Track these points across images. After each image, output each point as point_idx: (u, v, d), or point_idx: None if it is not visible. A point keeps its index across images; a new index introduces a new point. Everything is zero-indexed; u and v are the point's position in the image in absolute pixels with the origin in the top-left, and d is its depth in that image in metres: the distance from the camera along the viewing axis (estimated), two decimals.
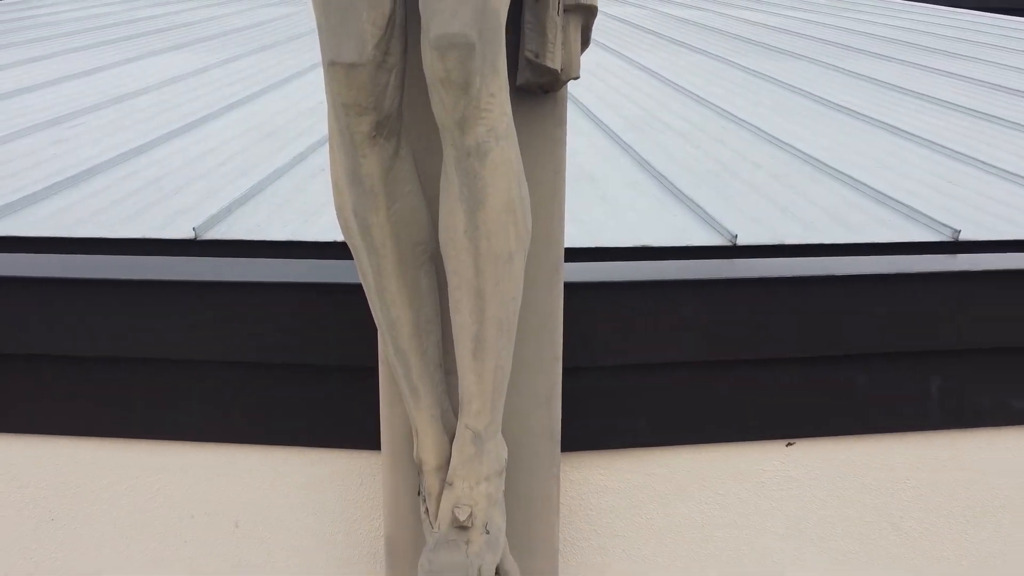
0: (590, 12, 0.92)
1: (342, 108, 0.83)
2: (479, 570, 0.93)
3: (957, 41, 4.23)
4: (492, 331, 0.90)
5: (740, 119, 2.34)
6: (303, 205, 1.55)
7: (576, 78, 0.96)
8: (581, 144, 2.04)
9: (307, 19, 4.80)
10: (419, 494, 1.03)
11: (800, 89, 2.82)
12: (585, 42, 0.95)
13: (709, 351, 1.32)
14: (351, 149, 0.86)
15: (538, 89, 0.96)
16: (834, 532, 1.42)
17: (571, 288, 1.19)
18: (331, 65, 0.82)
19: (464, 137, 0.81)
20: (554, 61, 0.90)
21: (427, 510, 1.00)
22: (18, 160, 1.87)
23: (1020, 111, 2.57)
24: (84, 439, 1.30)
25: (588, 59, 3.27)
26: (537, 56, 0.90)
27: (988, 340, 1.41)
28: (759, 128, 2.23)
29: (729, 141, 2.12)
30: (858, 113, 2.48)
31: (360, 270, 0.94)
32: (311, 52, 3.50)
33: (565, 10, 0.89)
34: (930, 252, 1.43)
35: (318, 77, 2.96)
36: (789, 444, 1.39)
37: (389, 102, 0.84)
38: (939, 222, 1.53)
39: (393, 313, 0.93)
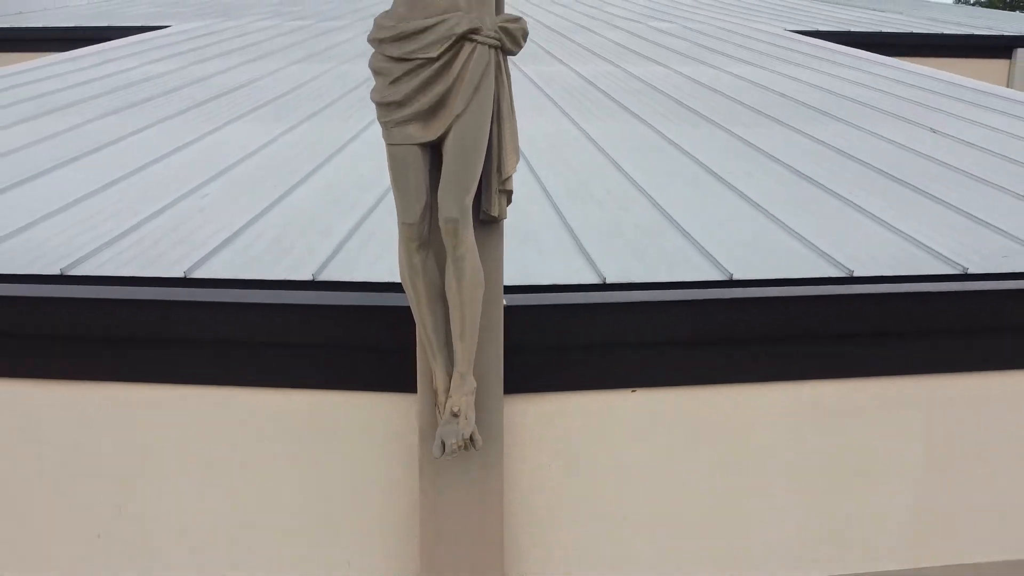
0: (510, 193, 2.09)
1: (404, 238, 2.00)
2: (462, 433, 2.11)
3: (846, 102, 5.38)
4: (468, 328, 2.07)
5: (642, 187, 3.52)
6: (367, 259, 2.73)
7: (505, 218, 2.14)
8: (533, 211, 3.22)
9: (335, 81, 5.97)
10: (435, 404, 2.21)
11: (694, 157, 4.00)
12: (508, 202, 2.13)
13: (584, 340, 2.49)
14: (407, 254, 2.03)
15: (490, 220, 2.14)
16: (661, 437, 2.60)
17: (510, 309, 2.37)
18: (401, 223, 1.99)
19: (455, 252, 1.98)
20: (495, 212, 2.08)
21: (439, 411, 2.18)
22: (184, 225, 3.04)
23: (843, 177, 3.74)
24: (242, 388, 2.48)
25: (554, 128, 4.44)
26: (488, 210, 2.08)
27: (750, 335, 2.58)
28: (651, 195, 3.41)
29: (629, 207, 3.30)
30: (722, 178, 3.66)
31: (408, 298, 2.12)
32: (350, 120, 4.67)
33: (500, 191, 2.07)
34: (709, 287, 2.61)
35: (358, 148, 4.13)
36: (633, 391, 2.57)
37: (425, 235, 2.01)
38: (723, 267, 2.71)
39: (425, 319, 2.10)
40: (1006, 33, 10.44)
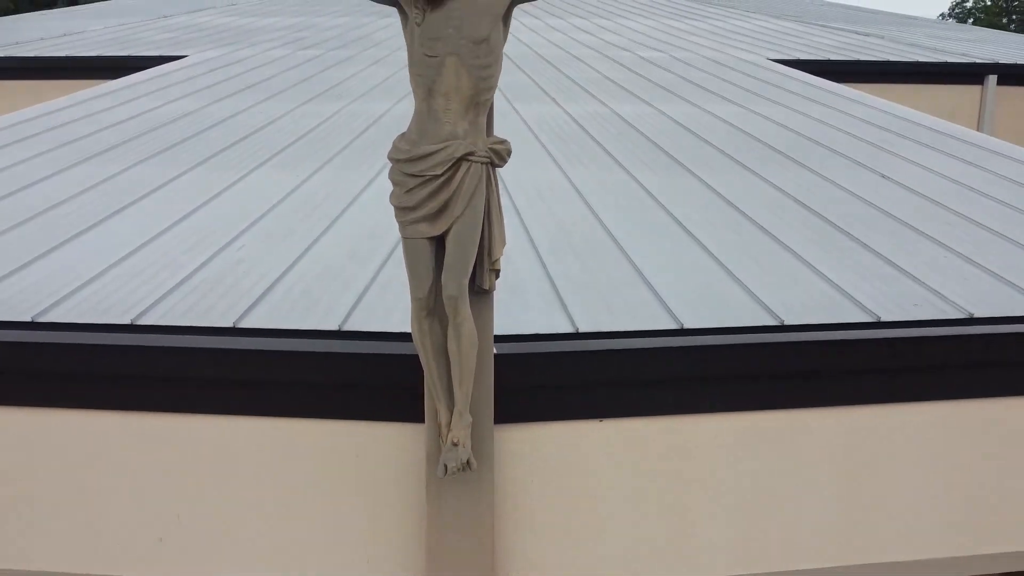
0: (498, 271, 2.66)
1: (415, 308, 2.57)
2: (460, 458, 2.68)
3: (809, 144, 5.92)
4: (465, 377, 2.63)
5: (616, 239, 4.09)
6: (384, 309, 3.29)
7: (494, 290, 2.71)
8: (522, 265, 3.78)
9: (345, 122, 6.53)
10: (439, 435, 2.78)
11: (664, 206, 4.56)
12: (496, 277, 2.70)
13: (560, 380, 3.06)
14: (417, 320, 2.60)
15: (482, 292, 2.71)
16: (624, 458, 3.16)
17: (500, 356, 2.93)
18: (414, 297, 2.55)
19: (455, 320, 2.54)
20: (486, 286, 2.65)
21: (442, 440, 2.75)
22: (227, 276, 3.60)
23: (791, 226, 4.30)
24: (283, 419, 3.04)
25: (544, 178, 5.01)
26: (481, 285, 2.65)
27: (696, 375, 3.15)
28: (623, 247, 3.97)
29: (604, 259, 3.86)
30: (686, 228, 4.23)
31: (418, 352, 2.68)
32: (361, 167, 5.24)
33: (489, 270, 2.64)
34: (663, 335, 3.17)
35: (368, 199, 4.69)
36: (600, 420, 3.14)
37: (432, 306, 2.57)
38: (677, 316, 3.28)
39: (432, 369, 2.67)
40: (978, 60, 11.01)
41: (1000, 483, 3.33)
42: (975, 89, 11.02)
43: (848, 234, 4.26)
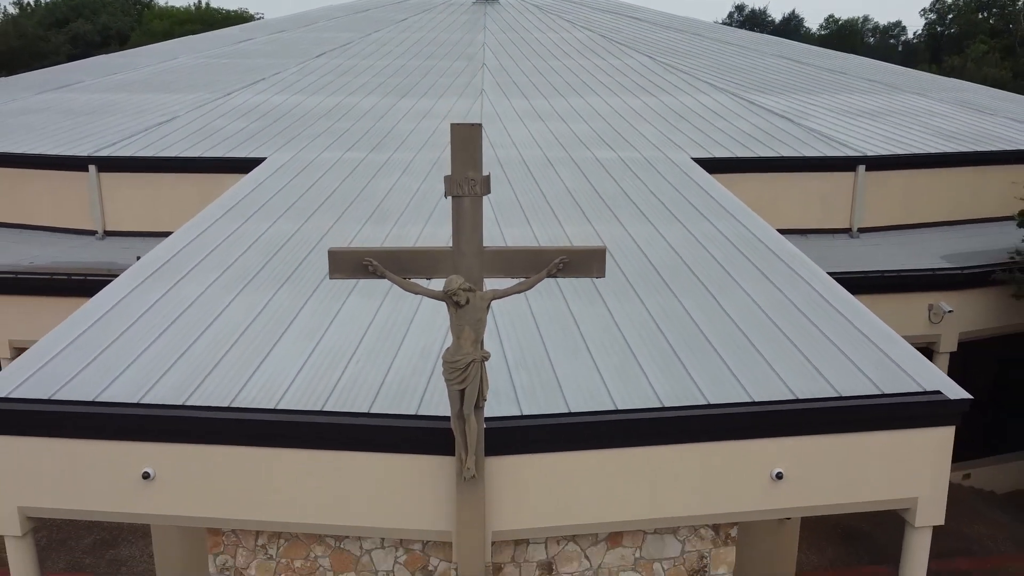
0: (486, 399, 6.48)
1: (453, 414, 6.38)
2: (470, 473, 6.52)
3: (683, 271, 9.70)
4: (471, 440, 6.45)
5: (550, 357, 7.90)
6: (436, 402, 7.13)
7: (483, 408, 6.54)
8: (498, 377, 7.60)
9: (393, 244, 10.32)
10: (461, 462, 6.64)
11: (581, 329, 8.37)
12: (485, 401, 6.51)
13: (510, 438, 6.92)
14: (453, 419, 6.41)
15: (479, 408, 6.54)
16: (544, 469, 7.03)
17: (487, 429, 6.78)
18: (452, 412, 6.36)
19: (468, 422, 6.34)
20: (480, 405, 6.47)
21: (462, 465, 6.60)
22: (356, 380, 7.43)
23: (650, 345, 8.11)
24: (392, 454, 6.91)
25: (515, 309, 8.85)
26: (478, 405, 6.47)
27: (576, 438, 7.00)
28: (553, 363, 7.79)
29: (540, 372, 7.68)
30: (589, 348, 8.04)
31: (454, 430, 6.50)
32: (408, 298, 9.03)
33: (481, 398, 6.47)
34: (559, 417, 7.01)
35: (419, 322, 8.49)
36: (532, 454, 6.99)
37: (461, 415, 6.40)
38: (569, 405, 7.11)
39: (458, 436, 6.49)
40: (851, 154, 14.80)
41: (715, 480, 7.21)
42: (850, 175, 14.81)
43: (674, 350, 8.09)
